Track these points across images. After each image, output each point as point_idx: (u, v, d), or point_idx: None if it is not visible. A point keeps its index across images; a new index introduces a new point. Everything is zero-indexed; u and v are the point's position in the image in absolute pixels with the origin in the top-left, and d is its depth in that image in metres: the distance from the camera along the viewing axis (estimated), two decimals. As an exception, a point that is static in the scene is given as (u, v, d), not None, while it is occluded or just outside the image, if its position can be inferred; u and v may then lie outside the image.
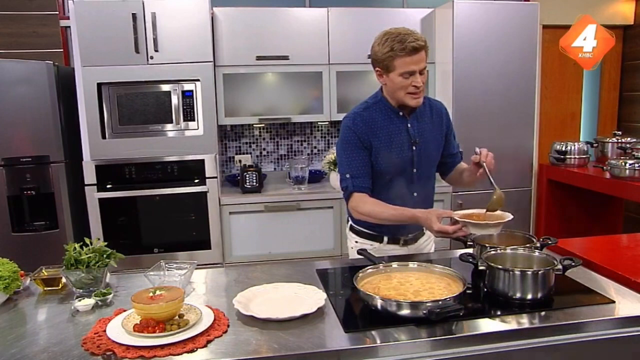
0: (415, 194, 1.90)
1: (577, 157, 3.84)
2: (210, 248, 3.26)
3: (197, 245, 3.25)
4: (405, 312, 1.30)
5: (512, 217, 1.63)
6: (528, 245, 1.71)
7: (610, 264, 1.67)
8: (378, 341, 1.24)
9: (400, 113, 1.88)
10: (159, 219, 3.22)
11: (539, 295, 1.42)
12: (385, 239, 1.94)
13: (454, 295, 1.33)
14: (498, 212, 1.68)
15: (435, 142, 1.95)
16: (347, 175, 1.86)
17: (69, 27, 3.34)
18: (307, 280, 1.61)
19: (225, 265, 3.27)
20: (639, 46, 4.22)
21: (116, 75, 3.08)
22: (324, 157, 3.56)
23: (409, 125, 1.88)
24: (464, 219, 1.61)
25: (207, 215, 3.22)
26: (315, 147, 3.96)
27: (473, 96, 3.40)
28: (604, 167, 3.49)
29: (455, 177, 2.05)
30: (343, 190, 1.89)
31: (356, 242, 2.00)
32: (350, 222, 2.04)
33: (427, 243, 2.05)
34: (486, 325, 1.31)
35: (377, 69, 1.84)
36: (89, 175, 3.12)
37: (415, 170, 1.90)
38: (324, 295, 1.45)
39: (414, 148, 1.88)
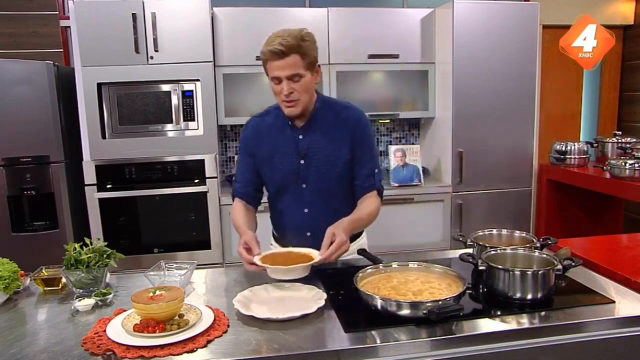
0: (306, 210, 1.80)
1: (577, 157, 3.84)
2: (210, 248, 3.25)
3: (197, 245, 3.25)
4: (405, 312, 1.30)
5: (319, 258, 1.54)
6: (528, 245, 1.71)
7: (610, 264, 1.67)
8: (378, 341, 1.23)
9: (290, 122, 1.76)
10: (159, 219, 3.22)
11: (539, 295, 1.42)
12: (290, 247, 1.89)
13: (454, 295, 1.33)
14: (304, 251, 1.60)
15: (334, 156, 1.76)
16: (234, 179, 1.88)
17: (69, 27, 3.34)
18: (307, 281, 1.61)
19: (225, 265, 3.27)
20: (639, 46, 4.22)
21: (116, 75, 3.08)
22: (324, 157, 3.56)
23: (300, 136, 1.76)
24: (266, 261, 1.52)
25: (207, 215, 3.22)
26: (315, 147, 3.95)
27: (473, 96, 3.39)
28: (604, 167, 3.49)
29: None
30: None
31: (271, 244, 1.98)
32: None
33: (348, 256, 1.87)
34: (486, 325, 1.31)
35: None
36: (89, 175, 3.12)
37: (304, 185, 1.78)
38: (324, 295, 1.45)
39: (302, 162, 1.75)
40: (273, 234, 1.99)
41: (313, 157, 1.75)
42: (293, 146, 1.76)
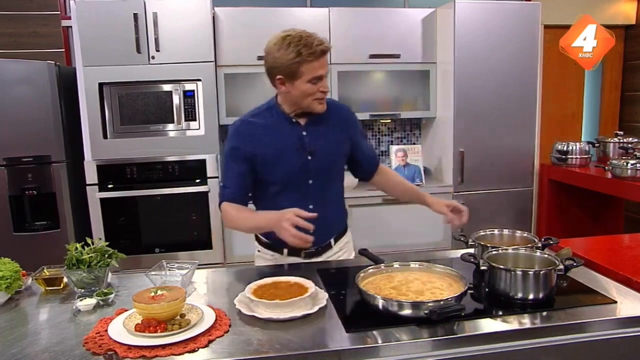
0: (311, 207, 1.76)
1: (578, 157, 3.84)
2: (211, 248, 3.26)
3: (199, 245, 3.25)
4: (406, 312, 1.30)
5: (312, 289, 1.43)
6: (529, 245, 1.70)
7: (612, 264, 1.67)
8: (379, 341, 1.23)
9: (294, 120, 1.76)
10: (160, 219, 3.23)
11: (541, 295, 1.42)
12: (285, 250, 1.84)
13: (456, 295, 1.33)
14: (294, 280, 1.51)
15: (336, 151, 1.83)
16: (221, 185, 1.82)
17: (71, 27, 3.34)
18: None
19: (226, 265, 3.27)
20: (640, 46, 4.22)
21: (117, 75, 3.08)
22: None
23: (304, 133, 1.76)
24: (258, 295, 1.41)
25: (209, 215, 3.22)
26: (316, 147, 3.95)
27: (474, 96, 3.39)
28: (606, 167, 3.49)
29: (384, 184, 2.02)
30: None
31: (258, 250, 1.93)
32: None
33: (339, 256, 1.92)
34: (488, 325, 1.31)
35: (278, 77, 1.67)
36: (90, 175, 3.12)
37: (311, 181, 1.78)
38: (326, 295, 1.45)
39: (309, 157, 1.76)
40: (260, 240, 1.91)
41: (319, 153, 1.77)
42: (298, 143, 1.76)
